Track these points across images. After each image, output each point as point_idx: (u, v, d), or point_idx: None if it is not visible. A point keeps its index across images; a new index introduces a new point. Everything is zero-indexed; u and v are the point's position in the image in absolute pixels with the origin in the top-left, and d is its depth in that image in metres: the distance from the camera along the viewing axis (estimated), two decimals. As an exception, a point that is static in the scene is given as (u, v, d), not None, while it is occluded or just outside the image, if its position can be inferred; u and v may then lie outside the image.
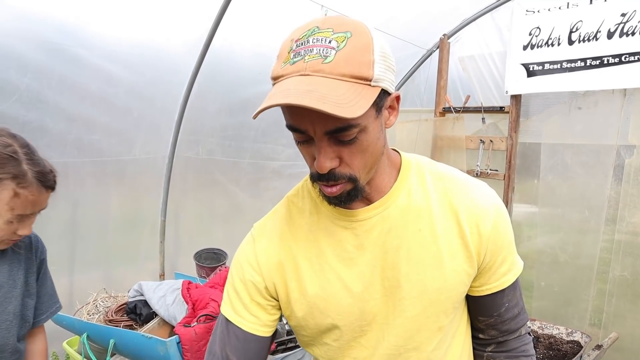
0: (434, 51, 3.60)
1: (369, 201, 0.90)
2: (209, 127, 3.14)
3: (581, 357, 2.09)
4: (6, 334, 1.24)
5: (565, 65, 2.59)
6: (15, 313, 1.26)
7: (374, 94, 0.74)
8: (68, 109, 2.33)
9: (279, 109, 0.78)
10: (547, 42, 2.66)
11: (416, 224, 0.89)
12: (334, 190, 0.81)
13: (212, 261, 3.08)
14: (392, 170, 0.92)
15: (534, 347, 2.29)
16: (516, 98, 2.90)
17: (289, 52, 0.76)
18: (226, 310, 0.99)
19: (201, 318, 2.08)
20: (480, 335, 1.02)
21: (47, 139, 2.28)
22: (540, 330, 2.41)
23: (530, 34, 2.73)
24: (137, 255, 3.03)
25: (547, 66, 2.67)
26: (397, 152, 0.97)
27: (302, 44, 0.74)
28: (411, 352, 0.93)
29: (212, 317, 2.09)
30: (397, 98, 0.84)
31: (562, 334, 2.33)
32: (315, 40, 0.73)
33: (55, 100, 2.25)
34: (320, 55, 0.72)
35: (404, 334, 0.92)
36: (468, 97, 3.21)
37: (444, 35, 3.39)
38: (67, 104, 2.31)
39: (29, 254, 1.32)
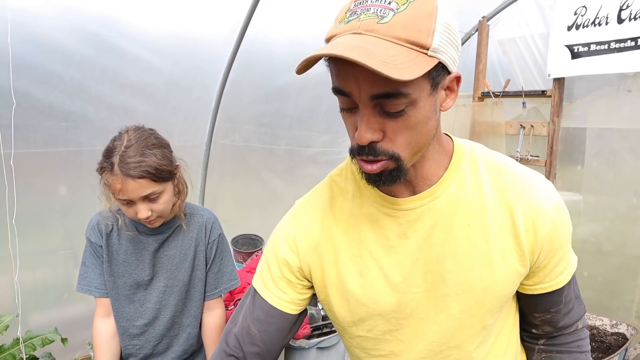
0: (473, 34, 3.49)
1: (414, 189, 0.85)
2: (245, 114, 3.16)
3: (627, 349, 2.02)
4: (176, 297, 1.51)
5: (613, 45, 2.46)
6: (184, 281, 1.51)
7: (429, 64, 0.68)
8: (109, 98, 2.39)
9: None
10: (593, 22, 2.53)
11: (465, 218, 0.83)
12: (374, 167, 0.74)
13: (248, 247, 3.13)
14: (443, 157, 0.85)
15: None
16: (559, 81, 2.79)
17: (346, 12, 0.72)
18: (256, 281, 0.99)
19: (238, 302, 2.12)
20: (534, 331, 0.98)
21: (90, 128, 2.35)
22: (583, 321, 2.34)
23: (575, 14, 2.61)
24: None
25: (593, 47, 2.54)
26: (450, 137, 0.90)
27: (360, 3, 0.70)
28: (452, 349, 0.89)
29: (249, 302, 2.13)
30: (458, 79, 0.77)
31: (605, 325, 2.26)
32: (374, 0, 0.69)
33: (97, 90, 2.32)
34: (377, 15, 0.68)
35: (446, 331, 0.87)
36: (508, 81, 3.11)
37: (483, 17, 3.28)
38: (108, 94, 2.37)
39: (200, 234, 1.53)
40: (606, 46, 2.49)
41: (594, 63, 2.55)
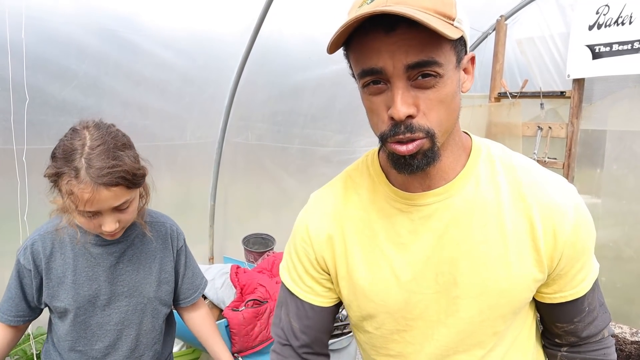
0: (490, 33, 3.44)
1: (429, 185, 0.83)
2: (259, 112, 3.15)
3: (646, 359, 1.96)
4: (140, 315, 1.34)
5: (637, 45, 2.39)
6: (149, 298, 1.35)
7: (457, 33, 0.69)
8: (123, 94, 2.39)
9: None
10: (616, 21, 2.46)
11: (482, 218, 0.81)
12: (411, 147, 0.72)
13: (260, 246, 3.11)
14: (461, 152, 0.84)
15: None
16: (579, 82, 2.72)
17: None
18: (284, 277, 1.00)
19: (249, 303, 2.10)
20: (557, 340, 0.94)
21: (104, 124, 2.36)
22: (600, 328, 2.28)
23: (597, 13, 2.54)
24: (188, 238, 3.08)
25: (615, 47, 2.48)
26: (469, 135, 0.88)
27: None
28: (461, 354, 0.87)
29: (259, 302, 2.11)
30: (472, 59, 0.79)
31: (625, 333, 2.20)
32: None
33: (111, 86, 2.32)
34: None
35: (456, 335, 0.85)
36: (526, 82, 3.05)
37: (500, 16, 3.23)
38: (122, 90, 2.37)
39: (166, 244, 1.39)
40: (629, 46, 2.42)
41: (616, 63, 2.48)
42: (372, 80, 0.71)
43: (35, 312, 1.32)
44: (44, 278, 1.25)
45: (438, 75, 0.69)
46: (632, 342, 2.12)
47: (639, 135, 2.66)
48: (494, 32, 3.29)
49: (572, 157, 2.78)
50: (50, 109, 2.12)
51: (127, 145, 1.17)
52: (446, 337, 0.86)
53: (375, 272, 0.87)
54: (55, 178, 1.12)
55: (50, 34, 2.00)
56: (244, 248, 3.06)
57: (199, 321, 1.52)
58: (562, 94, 2.85)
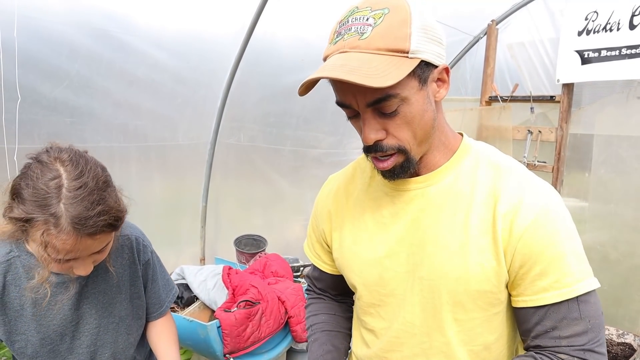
0: (481, 38, 3.47)
1: (416, 174, 0.91)
2: (251, 114, 3.15)
3: (633, 360, 1.99)
4: (114, 334, 1.26)
5: (625, 51, 2.43)
6: (121, 316, 1.26)
7: (411, 66, 0.76)
8: (115, 94, 2.38)
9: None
10: (604, 27, 2.50)
11: (453, 208, 0.87)
12: (386, 164, 0.84)
13: (251, 247, 3.11)
14: (446, 151, 0.91)
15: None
16: (568, 87, 2.76)
17: (333, 34, 0.81)
18: (305, 245, 1.18)
19: (241, 304, 2.11)
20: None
21: (95, 124, 2.35)
22: (588, 330, 2.31)
23: (586, 19, 2.58)
24: (179, 239, 3.10)
25: (604, 53, 2.52)
26: (463, 136, 0.94)
27: (343, 24, 0.79)
28: (424, 336, 0.92)
29: (251, 303, 2.11)
30: (446, 70, 0.83)
31: (612, 335, 2.23)
32: (354, 20, 0.78)
33: (103, 86, 2.31)
34: (358, 33, 0.76)
35: (420, 313, 0.92)
36: (516, 86, 3.09)
37: (492, 21, 3.26)
38: (114, 90, 2.37)
39: (132, 258, 1.28)
40: (617, 52, 2.46)
41: (605, 69, 2.52)
42: (346, 109, 0.83)
43: None
44: None
45: (401, 103, 0.78)
46: (619, 344, 2.15)
47: (627, 140, 2.70)
48: (485, 36, 3.32)
49: (561, 161, 2.82)
50: (41, 108, 2.11)
51: (107, 182, 1.03)
52: (411, 315, 0.92)
53: (358, 244, 0.98)
54: (25, 224, 0.94)
55: (43, 33, 1.99)
56: (236, 249, 3.06)
57: (164, 335, 1.40)
58: (551, 99, 2.88)
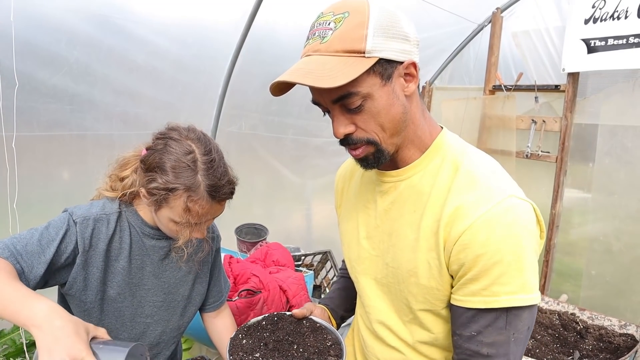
0: (486, 26, 3.43)
1: (396, 167, 0.98)
2: (252, 102, 3.13)
3: (637, 352, 1.98)
4: (170, 312, 1.33)
5: (632, 40, 2.39)
6: (184, 295, 1.35)
7: (367, 65, 0.80)
8: (115, 81, 2.36)
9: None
10: (612, 15, 2.46)
11: (415, 204, 0.93)
12: (357, 152, 0.90)
13: (252, 236, 3.10)
14: (421, 146, 0.95)
15: (583, 337, 2.19)
16: (574, 76, 2.73)
17: (306, 40, 0.87)
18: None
19: (242, 293, 2.10)
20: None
21: (95, 112, 2.32)
22: (590, 321, 2.31)
23: (593, 7, 2.54)
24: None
25: (610, 41, 2.48)
26: (443, 130, 0.98)
27: (311, 29, 0.86)
28: (387, 321, 1.02)
29: (252, 292, 2.10)
30: (413, 65, 0.86)
31: (614, 326, 2.22)
32: (318, 25, 0.84)
33: (103, 73, 2.28)
34: (320, 37, 0.83)
35: (383, 297, 1.03)
36: (520, 75, 3.05)
37: (497, 8, 3.22)
38: (114, 77, 2.34)
39: (208, 242, 1.37)
40: (624, 41, 2.42)
41: (611, 58, 2.48)
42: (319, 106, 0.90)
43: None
44: (96, 262, 1.16)
45: (364, 99, 0.83)
46: (621, 335, 2.14)
47: (631, 130, 2.67)
48: (490, 24, 3.28)
49: (565, 151, 2.79)
50: (40, 95, 2.08)
51: (222, 154, 1.19)
52: (375, 297, 1.03)
53: (349, 222, 1.11)
54: (168, 193, 1.09)
55: (40, 19, 1.96)
56: (237, 238, 3.05)
57: (224, 329, 1.49)
58: (556, 88, 2.85)
